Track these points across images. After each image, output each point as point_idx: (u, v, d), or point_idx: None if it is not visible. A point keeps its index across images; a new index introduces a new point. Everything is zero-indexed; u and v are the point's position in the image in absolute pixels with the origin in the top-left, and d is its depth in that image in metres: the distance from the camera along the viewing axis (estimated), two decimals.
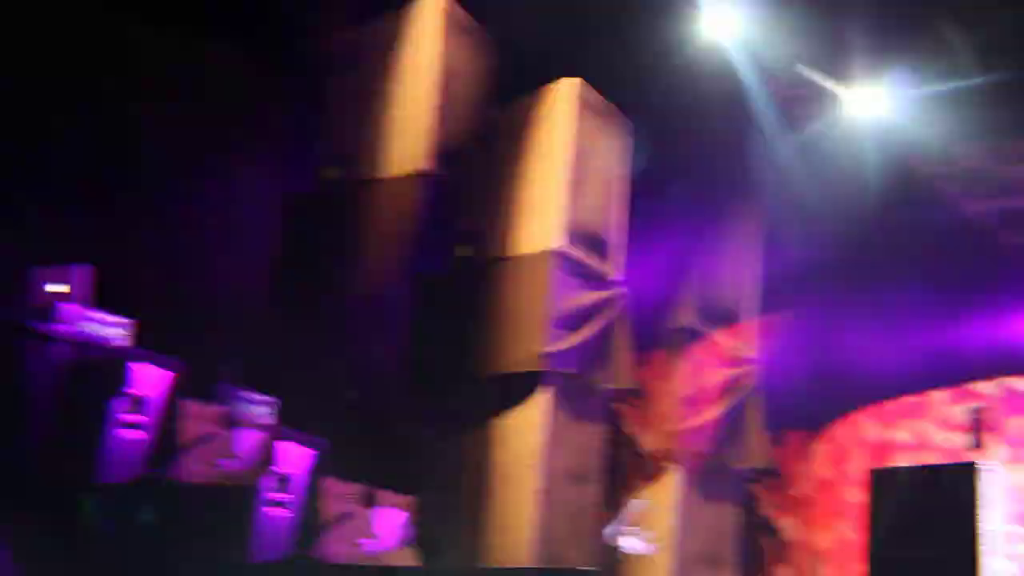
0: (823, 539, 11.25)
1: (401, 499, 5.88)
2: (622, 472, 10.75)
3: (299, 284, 6.30)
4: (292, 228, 6.46)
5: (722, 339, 8.03)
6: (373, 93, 6.79)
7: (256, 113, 6.19)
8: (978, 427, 11.22)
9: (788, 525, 10.58)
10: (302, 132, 6.59)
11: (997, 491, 6.23)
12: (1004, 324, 10.38)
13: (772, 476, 10.39)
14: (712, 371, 7.54)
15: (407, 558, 6.01)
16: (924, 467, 9.49)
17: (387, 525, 5.75)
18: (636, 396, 11.13)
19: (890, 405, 11.42)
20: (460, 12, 6.79)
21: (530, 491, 6.38)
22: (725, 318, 8.20)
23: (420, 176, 6.59)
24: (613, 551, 7.13)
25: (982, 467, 6.19)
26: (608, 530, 6.86)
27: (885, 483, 6.86)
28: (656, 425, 10.83)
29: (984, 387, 11.25)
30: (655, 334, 10.23)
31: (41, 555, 4.35)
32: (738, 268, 8.52)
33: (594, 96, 7.16)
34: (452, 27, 6.73)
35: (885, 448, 11.13)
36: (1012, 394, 11.27)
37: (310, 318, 6.19)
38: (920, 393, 11.43)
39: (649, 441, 10.81)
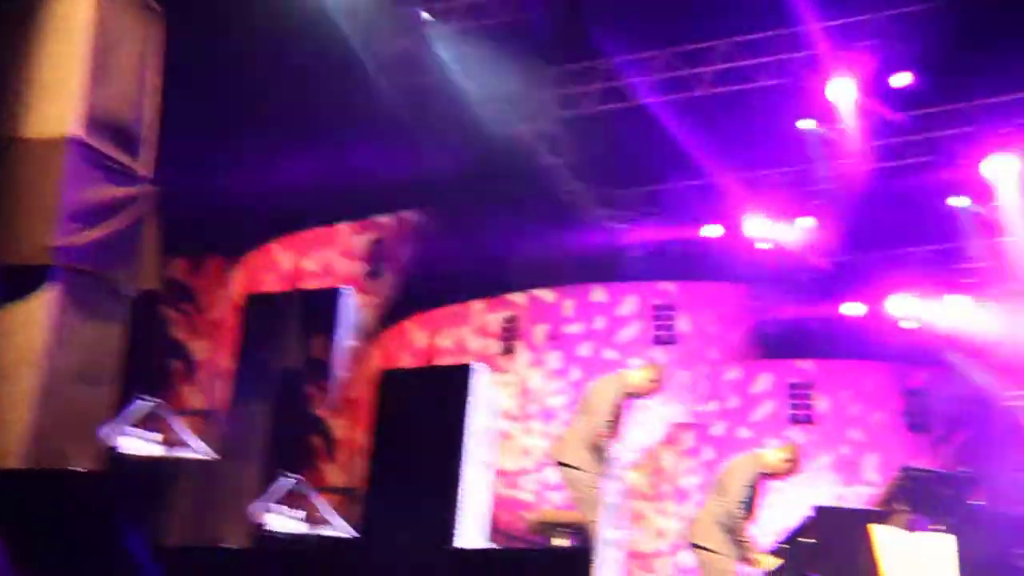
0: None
1: None
2: (163, 377, 10.49)
3: None
4: None
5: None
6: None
7: None
8: (509, 334, 12.42)
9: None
10: None
11: (488, 391, 6.87)
12: (535, 239, 11.50)
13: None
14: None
15: None
16: (424, 368, 10.37)
17: None
18: (186, 300, 10.88)
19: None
20: None
21: (28, 390, 6.02)
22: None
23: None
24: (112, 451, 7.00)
25: (475, 368, 6.83)
26: (106, 429, 6.68)
27: (390, 384, 7.34)
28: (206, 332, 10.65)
29: (516, 297, 12.45)
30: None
31: None
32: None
33: None
34: None
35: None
36: (538, 304, 12.59)
37: None
38: (463, 302, 12.33)
39: (199, 348, 10.62)
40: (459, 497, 7.07)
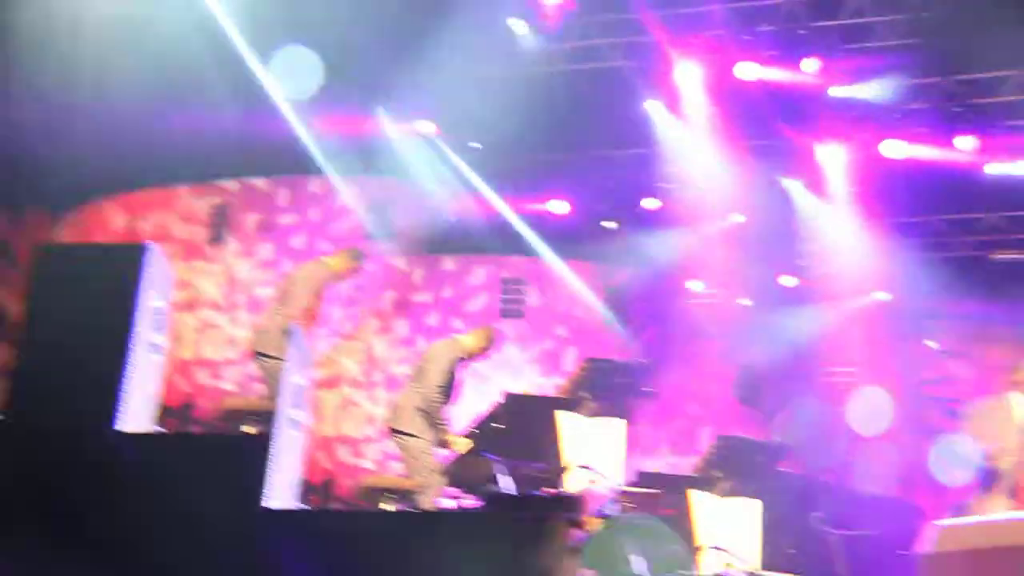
0: None
1: None
2: None
3: None
4: None
5: None
6: None
7: None
8: (219, 221, 11.83)
9: (14, 303, 9.98)
10: None
11: (161, 272, 6.32)
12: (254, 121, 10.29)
13: (3, 253, 9.86)
14: None
15: None
16: (90, 244, 9.55)
17: None
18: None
19: (137, 196, 11.52)
20: None
21: None
22: None
23: None
24: None
25: (150, 248, 6.35)
26: None
27: (50, 260, 6.46)
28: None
29: (227, 184, 11.78)
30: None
31: None
32: None
33: None
34: None
35: (130, 236, 11.26)
36: (251, 191, 12.10)
37: None
38: (166, 187, 11.53)
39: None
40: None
